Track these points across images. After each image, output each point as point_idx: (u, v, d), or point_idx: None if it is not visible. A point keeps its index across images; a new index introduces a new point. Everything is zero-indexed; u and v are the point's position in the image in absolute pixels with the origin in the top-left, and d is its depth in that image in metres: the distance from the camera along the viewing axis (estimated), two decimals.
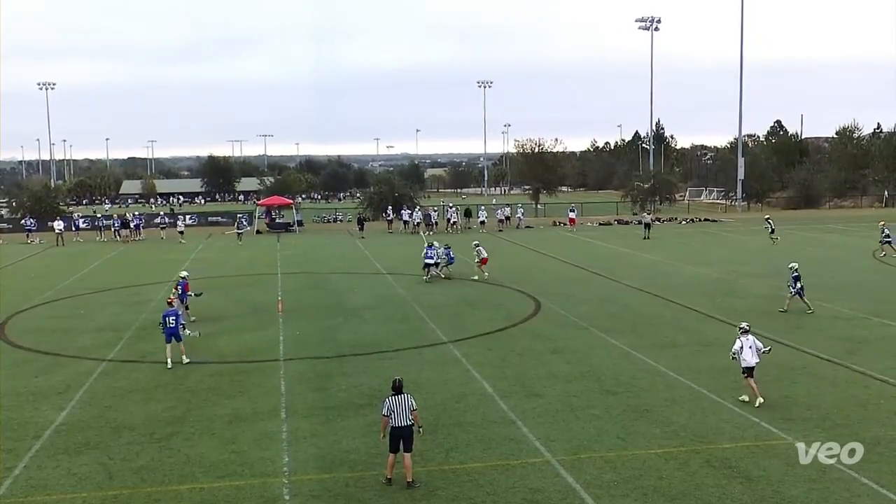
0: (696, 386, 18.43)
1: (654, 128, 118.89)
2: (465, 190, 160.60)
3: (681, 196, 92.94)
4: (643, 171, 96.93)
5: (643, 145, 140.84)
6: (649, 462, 13.98)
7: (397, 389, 13.51)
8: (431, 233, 59.93)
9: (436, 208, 67.56)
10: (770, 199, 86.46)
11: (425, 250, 35.57)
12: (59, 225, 57.64)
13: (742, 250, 45.95)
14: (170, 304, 22.70)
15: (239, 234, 54.83)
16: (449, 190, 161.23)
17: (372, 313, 28.08)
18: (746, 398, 17.19)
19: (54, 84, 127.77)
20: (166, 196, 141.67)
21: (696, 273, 36.40)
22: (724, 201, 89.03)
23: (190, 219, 71.47)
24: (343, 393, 18.48)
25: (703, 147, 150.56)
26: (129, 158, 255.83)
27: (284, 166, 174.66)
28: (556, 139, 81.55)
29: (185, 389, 18.92)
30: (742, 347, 17.19)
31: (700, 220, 69.57)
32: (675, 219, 69.74)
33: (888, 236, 41.15)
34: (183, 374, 20.26)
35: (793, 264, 27.38)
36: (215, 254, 45.75)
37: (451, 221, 61.99)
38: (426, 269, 35.14)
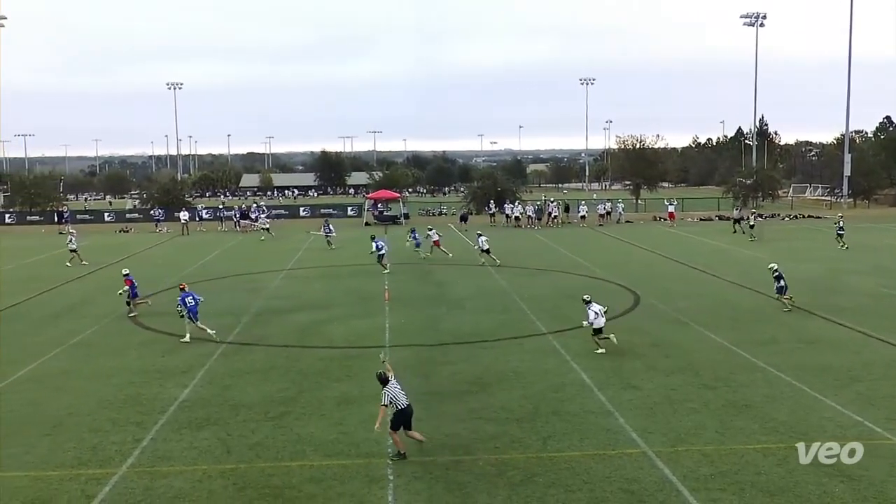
0: (798, 383, 17.79)
1: (757, 124, 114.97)
2: (566, 185, 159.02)
3: (784, 192, 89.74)
4: (745, 168, 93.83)
5: (746, 141, 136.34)
6: (747, 457, 13.58)
7: (385, 380, 13.87)
8: (535, 227, 59.68)
9: (538, 203, 67.16)
10: (878, 195, 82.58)
11: (375, 244, 35.81)
12: (184, 215, 59.96)
13: (847, 247, 44.02)
14: (182, 289, 23.49)
15: (328, 238, 46.92)
16: (550, 185, 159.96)
17: (473, 304, 28.17)
18: (603, 350, 20.35)
19: (182, 84, 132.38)
20: (282, 189, 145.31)
21: (799, 270, 35.09)
22: (828, 198, 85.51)
23: (304, 211, 73.30)
24: (445, 380, 18.62)
25: (807, 143, 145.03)
26: (248, 153, 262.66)
27: (392, 161, 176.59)
28: (658, 135, 79.98)
29: (298, 372, 19.41)
30: (595, 315, 20.34)
31: (804, 216, 67.06)
32: (778, 215, 67.41)
33: None
34: (296, 358, 20.80)
35: (772, 265, 26.94)
36: (323, 243, 46.60)
37: (553, 216, 61.59)
38: (380, 260, 35.49)
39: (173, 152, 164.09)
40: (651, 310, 26.32)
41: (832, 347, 21.10)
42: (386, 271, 35.09)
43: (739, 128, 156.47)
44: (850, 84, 78.90)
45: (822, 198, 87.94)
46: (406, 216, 67.89)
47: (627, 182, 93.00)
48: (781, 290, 25.92)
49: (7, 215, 74.39)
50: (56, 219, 68.10)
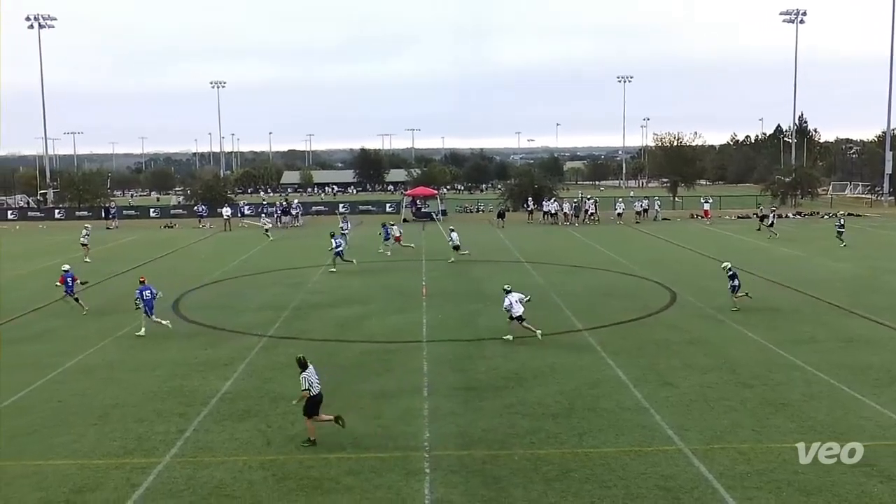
0: (836, 382, 17.49)
1: (796, 121, 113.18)
2: (603, 182, 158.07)
3: (824, 190, 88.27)
4: (784, 165, 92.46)
5: (785, 139, 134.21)
6: (784, 456, 13.37)
7: (305, 365, 14.34)
8: (573, 224, 59.39)
9: (576, 200, 66.87)
10: None
11: (334, 241, 35.43)
12: (226, 211, 60.75)
13: (888, 246, 43.24)
14: (142, 282, 23.73)
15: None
16: (587, 182, 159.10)
17: None
18: (511, 337, 21.38)
19: (225, 83, 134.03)
20: (322, 186, 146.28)
21: (838, 268, 34.54)
22: (869, 196, 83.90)
23: (343, 207, 73.72)
24: (482, 375, 18.61)
25: (848, 141, 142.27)
26: (288, 151, 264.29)
27: (430, 159, 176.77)
28: (695, 133, 79.15)
29: (337, 366, 19.51)
30: (512, 303, 21.30)
31: (843, 214, 65.81)
32: (817, 213, 66.32)
33: None
34: (335, 352, 20.93)
35: (726, 264, 26.55)
36: (363, 240, 46.83)
37: (589, 213, 61.22)
38: (335, 258, 35.16)
39: (216, 150, 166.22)
40: (688, 307, 26.05)
41: (871, 346, 20.73)
42: (333, 270, 34.79)
43: (778, 125, 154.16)
44: (893, 80, 77.39)
45: (863, 196, 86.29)
46: (444, 213, 68.01)
47: (665, 179, 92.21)
48: (734, 290, 25.51)
49: (57, 211, 75.85)
50: (103, 214, 69.24)
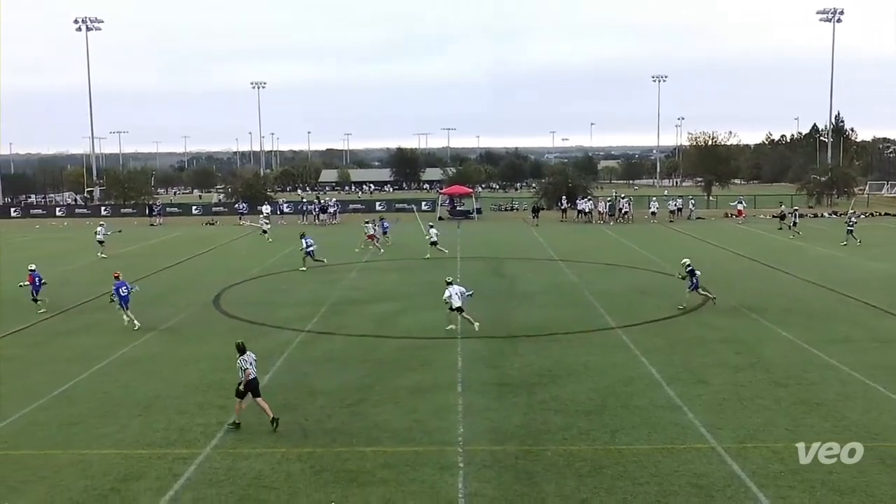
0: (871, 382, 17.19)
1: (833, 120, 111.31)
2: (637, 181, 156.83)
3: (860, 190, 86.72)
4: (820, 165, 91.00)
5: (821, 138, 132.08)
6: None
7: (243, 350, 14.99)
8: (608, 223, 59.03)
9: (610, 199, 66.42)
10: None
11: (304, 241, 35.33)
12: (266, 209, 61.15)
13: (860, 242, 42.35)
14: (117, 277, 23.89)
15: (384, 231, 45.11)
16: (621, 181, 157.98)
17: (544, 297, 28.03)
18: (454, 327, 22.03)
19: (265, 83, 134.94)
20: (359, 184, 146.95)
21: (873, 268, 33.93)
22: None
23: (380, 205, 74.03)
24: (515, 371, 18.57)
25: (885, 140, 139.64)
26: (326, 150, 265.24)
27: (465, 157, 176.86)
28: (730, 132, 78.21)
29: (374, 361, 19.61)
30: (451, 295, 21.89)
31: (880, 214, 64.71)
32: (853, 212, 65.13)
33: None
34: (372, 347, 21.03)
35: (685, 260, 26.09)
36: (400, 238, 47.01)
37: (624, 212, 60.78)
38: (305, 258, 34.99)
39: (256, 148, 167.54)
40: (721, 306, 25.74)
41: None
42: (303, 268, 34.73)
43: (814, 124, 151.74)
44: None
45: None
46: (479, 211, 67.93)
47: (699, 179, 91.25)
48: (694, 287, 25.21)
49: (103, 208, 77.08)
50: (147, 212, 70.24)
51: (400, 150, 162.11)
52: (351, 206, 74.95)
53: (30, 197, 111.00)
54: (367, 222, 43.17)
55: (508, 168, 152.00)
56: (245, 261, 38.85)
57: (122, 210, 74.50)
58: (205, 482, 12.60)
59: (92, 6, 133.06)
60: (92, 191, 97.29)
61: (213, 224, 63.65)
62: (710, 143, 79.67)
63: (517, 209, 75.79)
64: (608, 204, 62.37)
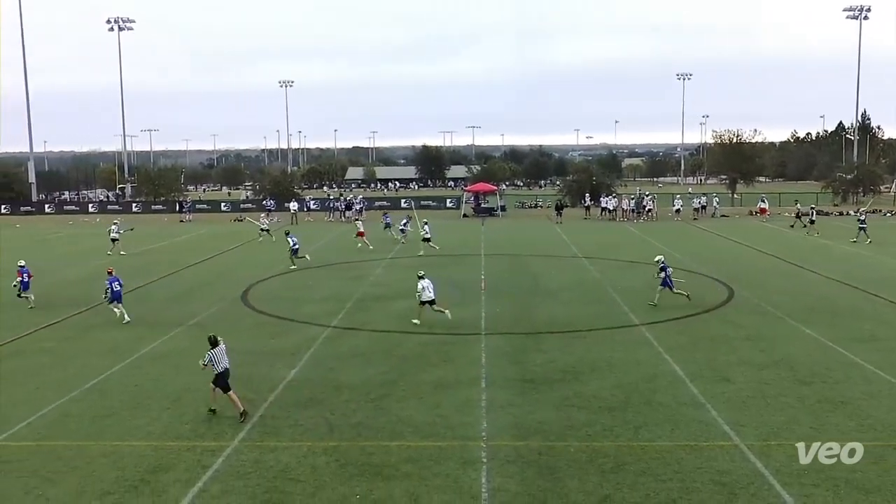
0: None
1: (859, 118, 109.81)
2: (661, 179, 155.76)
3: (886, 188, 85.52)
4: (846, 163, 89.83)
5: (847, 136, 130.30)
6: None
7: (215, 343, 15.50)
8: (633, 220, 58.71)
9: (633, 196, 66.00)
10: None
11: (290, 239, 35.11)
12: (293, 206, 61.52)
13: (870, 241, 41.67)
14: (110, 273, 24.52)
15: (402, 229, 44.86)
16: (645, 179, 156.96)
17: (567, 294, 27.94)
18: (418, 322, 22.50)
19: (292, 82, 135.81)
20: (385, 182, 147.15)
21: None
22: None
23: (405, 202, 74.06)
24: (538, 367, 18.54)
25: None
26: (353, 147, 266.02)
27: (490, 155, 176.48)
28: (755, 130, 77.35)
29: (398, 356, 19.67)
30: (424, 288, 22.53)
31: (866, 210, 63.65)
32: (879, 211, 64.31)
33: None
34: (396, 343, 21.08)
35: (659, 257, 26.12)
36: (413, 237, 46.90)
37: (647, 209, 60.42)
38: (293, 256, 34.78)
39: (284, 146, 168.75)
40: (745, 304, 25.55)
41: None
42: (293, 267, 34.55)
43: (840, 122, 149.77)
44: None
45: None
46: (503, 208, 67.83)
47: (723, 176, 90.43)
48: (667, 283, 25.00)
49: (134, 204, 77.84)
50: (177, 208, 70.81)
51: (425, 147, 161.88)
52: (377, 203, 75.06)
53: (63, 194, 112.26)
54: (356, 219, 43.57)
55: (533, 166, 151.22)
56: (272, 256, 39.01)
57: (153, 207, 75.15)
58: (233, 474, 12.71)
59: (124, 7, 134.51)
60: (123, 188, 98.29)
61: (241, 220, 63.99)
62: (734, 141, 78.87)
63: (541, 206, 75.55)
64: (632, 201, 62.02)
